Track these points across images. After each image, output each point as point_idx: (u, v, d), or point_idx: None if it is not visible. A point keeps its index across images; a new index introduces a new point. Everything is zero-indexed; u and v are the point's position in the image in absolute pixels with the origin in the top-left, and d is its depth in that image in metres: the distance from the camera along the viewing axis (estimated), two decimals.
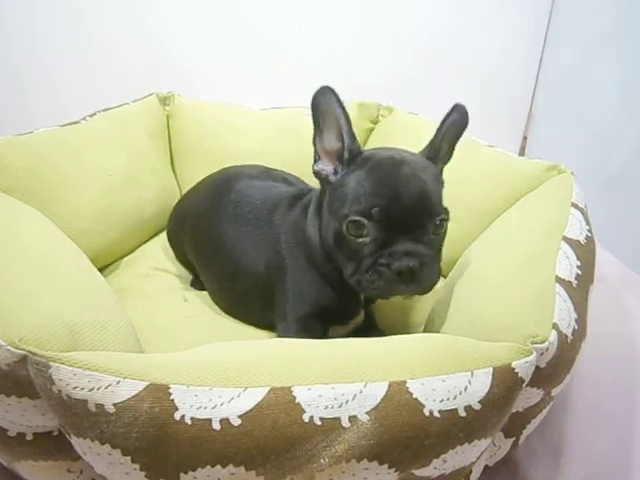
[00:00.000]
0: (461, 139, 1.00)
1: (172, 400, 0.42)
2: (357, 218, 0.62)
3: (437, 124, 1.07)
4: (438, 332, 0.67)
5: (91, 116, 1.04)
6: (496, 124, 1.63)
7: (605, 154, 1.51)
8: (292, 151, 1.11)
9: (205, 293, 0.92)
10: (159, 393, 0.42)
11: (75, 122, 1.00)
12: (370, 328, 0.81)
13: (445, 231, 0.67)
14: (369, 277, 0.63)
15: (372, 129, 1.27)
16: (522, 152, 1.77)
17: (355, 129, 1.21)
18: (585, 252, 0.63)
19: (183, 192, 1.21)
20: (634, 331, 0.91)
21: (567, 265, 0.60)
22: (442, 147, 0.71)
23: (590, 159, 1.49)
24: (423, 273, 0.62)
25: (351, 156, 0.67)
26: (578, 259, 0.61)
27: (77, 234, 0.83)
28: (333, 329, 0.77)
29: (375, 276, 0.62)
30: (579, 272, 0.60)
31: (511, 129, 1.75)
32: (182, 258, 0.98)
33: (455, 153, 0.99)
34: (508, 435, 0.58)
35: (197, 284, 0.95)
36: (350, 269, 0.65)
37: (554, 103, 1.68)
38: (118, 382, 0.42)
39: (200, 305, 0.86)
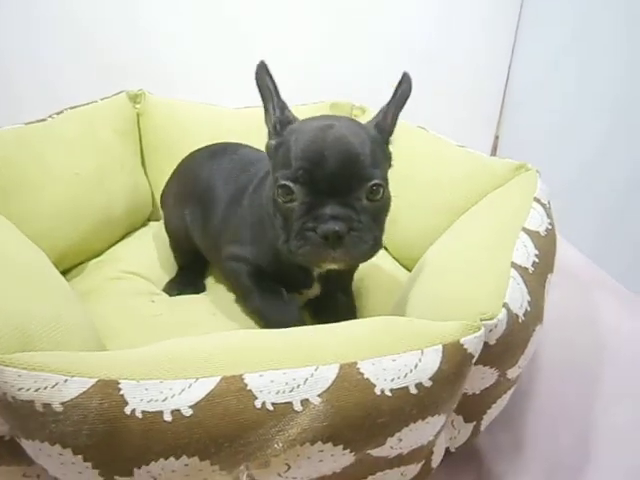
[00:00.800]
0: (431, 138, 1.03)
1: (122, 395, 0.42)
2: (284, 182, 0.62)
3: (407, 125, 1.10)
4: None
5: (58, 114, 1.02)
6: (468, 123, 1.66)
7: (574, 150, 1.53)
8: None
9: (176, 297, 0.91)
10: (108, 389, 0.42)
11: (41, 120, 0.98)
12: (343, 314, 0.79)
13: (384, 199, 0.66)
14: (296, 243, 0.62)
15: None
16: (494, 151, 1.78)
17: None
18: (544, 243, 0.64)
19: (155, 191, 1.22)
20: (599, 325, 0.93)
21: (524, 253, 0.60)
22: (392, 118, 0.71)
23: (560, 155, 1.51)
24: (352, 238, 0.60)
25: (282, 125, 0.68)
26: (536, 248, 0.62)
27: (38, 235, 0.81)
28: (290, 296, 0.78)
29: (302, 242, 0.61)
30: (536, 260, 0.60)
31: (483, 128, 1.77)
32: (178, 235, 0.98)
33: (425, 151, 1.01)
34: (468, 419, 0.59)
35: (171, 289, 0.93)
36: (283, 237, 0.65)
37: (526, 101, 1.70)
38: (66, 380, 0.41)
39: (167, 304, 0.85)
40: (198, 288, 0.95)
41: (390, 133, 0.72)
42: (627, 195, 1.29)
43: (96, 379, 0.42)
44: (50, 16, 1.46)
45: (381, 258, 1.03)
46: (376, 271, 0.97)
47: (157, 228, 1.16)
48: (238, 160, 0.93)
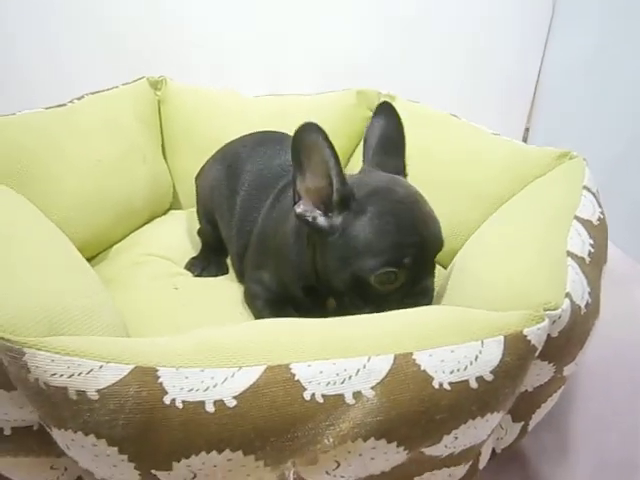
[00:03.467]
0: (465, 126, 0.99)
1: (160, 383, 0.39)
2: (390, 269, 0.59)
3: (439, 113, 1.06)
4: None
5: (79, 99, 0.99)
6: (497, 115, 1.61)
7: (606, 143, 1.48)
8: None
9: (197, 280, 0.89)
10: (146, 377, 0.39)
11: (61, 105, 0.95)
12: None
13: None
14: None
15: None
16: (525, 143, 1.74)
17: (354, 117, 1.20)
18: (598, 232, 0.60)
19: (175, 180, 1.19)
20: (638, 321, 0.90)
21: (579, 242, 0.57)
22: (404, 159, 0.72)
23: (591, 148, 1.47)
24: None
25: (342, 199, 0.61)
26: (590, 237, 0.58)
27: (61, 222, 0.78)
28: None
29: None
30: (591, 250, 0.56)
31: (513, 120, 1.72)
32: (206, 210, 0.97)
33: (458, 141, 0.98)
34: (516, 419, 0.56)
35: (194, 267, 0.92)
36: (369, 310, 0.57)
37: (558, 94, 1.65)
38: (101, 367, 0.39)
39: (190, 293, 0.82)
40: (220, 268, 0.93)
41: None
42: None
43: (133, 365, 0.39)
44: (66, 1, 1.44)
45: None
46: None
47: (178, 216, 1.14)
48: (276, 163, 0.87)
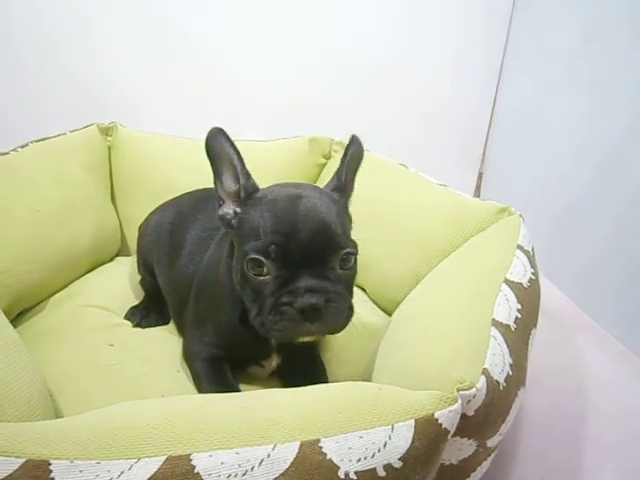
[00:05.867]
0: (412, 177, 1.00)
1: (52, 479, 0.37)
2: (255, 256, 0.59)
3: (388, 162, 1.08)
4: (371, 375, 0.64)
5: (22, 147, 0.98)
6: (452, 159, 1.65)
7: (561, 188, 1.51)
8: None
9: (134, 333, 0.86)
10: (37, 471, 0.37)
11: (4, 153, 0.93)
12: (311, 374, 0.75)
13: (354, 265, 0.64)
14: (272, 318, 0.59)
15: (324, 164, 1.25)
16: (478, 188, 1.77)
17: (307, 164, 1.21)
18: (527, 295, 0.61)
19: (124, 226, 1.18)
20: (583, 373, 0.90)
21: (506, 308, 0.57)
22: (347, 180, 0.70)
23: (546, 193, 1.50)
24: (329, 310, 0.58)
25: (246, 194, 0.65)
26: (519, 302, 0.59)
27: None
28: (252, 369, 0.75)
29: (278, 317, 0.59)
30: (519, 315, 0.57)
31: (467, 164, 1.76)
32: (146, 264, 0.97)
33: (406, 191, 0.99)
34: None
35: (133, 316, 0.90)
36: (254, 311, 0.62)
37: (510, 138, 1.70)
38: None
39: (126, 349, 0.80)
40: (161, 317, 0.91)
41: (349, 196, 0.72)
42: (614, 237, 1.27)
43: (24, 459, 0.37)
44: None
45: (359, 302, 0.99)
46: (354, 319, 0.92)
47: (123, 263, 1.12)
48: (208, 218, 0.89)
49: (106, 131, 1.18)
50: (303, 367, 0.75)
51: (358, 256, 0.64)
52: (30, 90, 1.48)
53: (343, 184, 0.69)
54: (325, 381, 0.74)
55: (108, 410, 0.45)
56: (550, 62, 1.53)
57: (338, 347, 0.83)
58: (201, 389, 0.72)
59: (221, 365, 0.74)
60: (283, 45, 1.54)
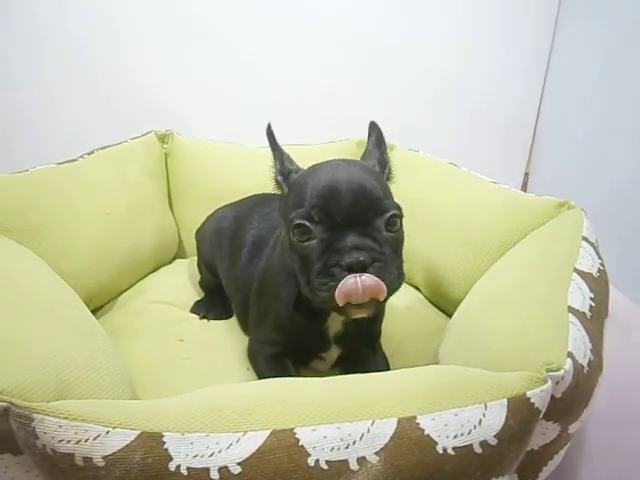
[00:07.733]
0: (464, 175, 1.02)
1: (166, 449, 0.39)
2: (300, 221, 0.61)
3: (439, 161, 1.09)
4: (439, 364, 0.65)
5: (89, 154, 1.02)
6: (497, 161, 1.64)
7: (609, 190, 1.49)
8: None
9: (203, 328, 0.90)
10: (152, 442, 0.39)
11: (72, 160, 0.98)
12: (373, 365, 0.76)
13: (401, 229, 0.64)
14: (320, 280, 0.58)
15: None
16: (524, 188, 1.74)
17: None
18: (598, 285, 0.60)
19: (181, 230, 1.23)
20: None
21: (579, 296, 0.57)
22: (385, 158, 0.75)
23: (593, 194, 1.48)
24: (377, 270, 0.57)
25: (284, 177, 0.72)
26: (591, 291, 0.58)
27: (70, 276, 0.80)
28: (314, 363, 0.77)
29: (327, 279, 0.58)
30: (592, 304, 0.57)
31: (513, 165, 1.75)
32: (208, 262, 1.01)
33: (458, 188, 1.00)
34: (523, 477, 0.55)
35: (199, 309, 0.95)
36: (304, 280, 0.62)
37: (556, 138, 1.68)
38: (107, 432, 0.39)
39: (195, 345, 0.83)
40: (226, 310, 0.95)
41: (389, 172, 0.74)
42: None
43: (139, 431, 0.40)
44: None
45: (417, 302, 1.00)
46: (412, 316, 0.93)
47: (183, 264, 1.16)
48: (266, 220, 0.93)
49: (162, 139, 1.23)
50: (365, 359, 0.76)
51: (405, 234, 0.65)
52: (96, 98, 1.57)
53: (384, 159, 0.74)
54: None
55: (210, 390, 0.47)
56: (597, 62, 1.51)
57: (397, 343, 0.84)
58: None
59: (283, 361, 0.76)
60: (334, 55, 1.59)
